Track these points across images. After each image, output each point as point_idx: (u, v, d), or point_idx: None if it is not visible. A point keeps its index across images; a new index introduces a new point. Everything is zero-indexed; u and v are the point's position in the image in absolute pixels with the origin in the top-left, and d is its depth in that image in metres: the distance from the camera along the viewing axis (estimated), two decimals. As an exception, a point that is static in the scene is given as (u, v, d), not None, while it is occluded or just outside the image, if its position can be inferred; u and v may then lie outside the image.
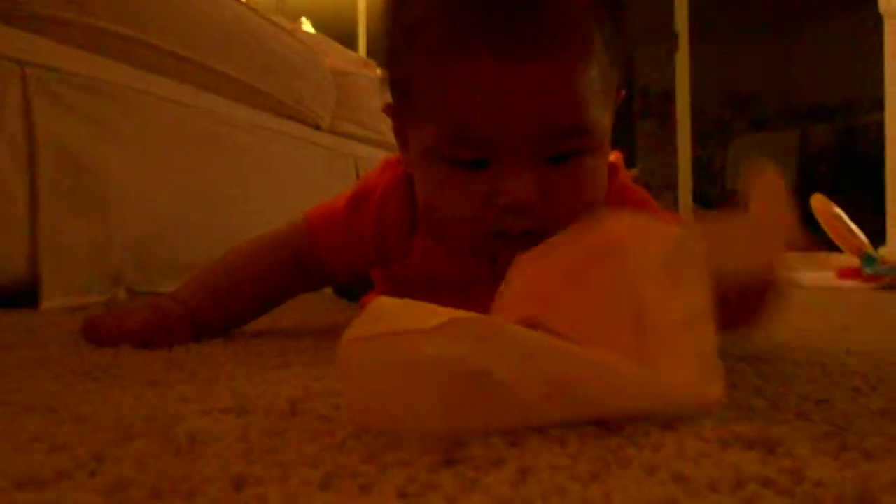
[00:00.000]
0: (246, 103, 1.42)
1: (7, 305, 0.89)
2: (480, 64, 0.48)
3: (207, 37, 1.29)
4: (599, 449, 0.27)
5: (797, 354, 0.53)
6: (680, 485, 0.23)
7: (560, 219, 0.45)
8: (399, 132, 0.60)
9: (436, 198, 0.55)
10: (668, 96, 3.78)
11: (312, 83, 1.66)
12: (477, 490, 0.23)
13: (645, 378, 0.29)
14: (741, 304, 0.37)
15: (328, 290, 1.05)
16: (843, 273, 1.78)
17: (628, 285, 0.31)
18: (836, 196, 1.90)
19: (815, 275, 1.93)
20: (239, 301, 0.65)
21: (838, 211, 1.82)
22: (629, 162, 0.74)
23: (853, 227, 1.81)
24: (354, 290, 0.96)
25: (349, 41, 3.57)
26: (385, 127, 0.63)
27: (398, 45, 0.55)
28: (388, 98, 0.60)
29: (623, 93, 0.59)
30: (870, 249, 1.75)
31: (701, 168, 3.82)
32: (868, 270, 1.66)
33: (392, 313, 0.29)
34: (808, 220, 1.87)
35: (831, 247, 1.86)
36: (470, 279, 0.59)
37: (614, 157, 0.63)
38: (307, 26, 3.23)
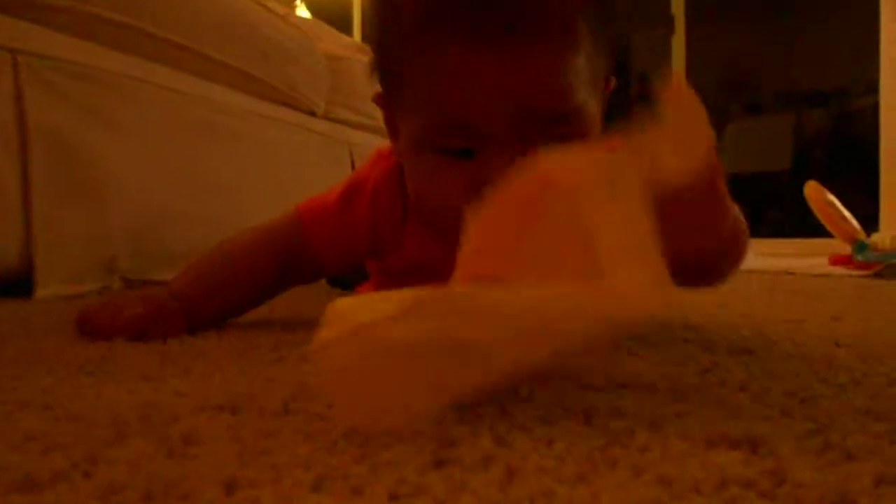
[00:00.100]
0: (240, 90, 1.41)
1: (1, 294, 0.89)
2: (465, 52, 0.48)
3: (201, 24, 1.28)
4: (586, 449, 0.27)
5: (785, 346, 0.53)
6: (665, 486, 0.24)
7: None
8: (389, 122, 0.60)
9: (425, 186, 0.56)
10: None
11: (306, 69, 1.65)
12: (466, 491, 0.23)
13: (601, 294, 0.29)
14: (689, 212, 0.37)
15: (322, 281, 1.05)
16: (835, 260, 1.79)
17: (572, 219, 0.31)
18: (830, 181, 1.91)
19: (808, 261, 1.94)
20: (233, 293, 0.65)
21: (831, 198, 1.83)
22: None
23: (846, 214, 1.83)
24: (348, 281, 0.96)
25: (344, 26, 3.55)
26: (380, 113, 0.63)
27: (384, 36, 0.55)
28: (379, 87, 0.60)
29: (613, 81, 0.59)
30: (862, 236, 1.76)
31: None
32: (859, 258, 1.67)
33: (351, 311, 0.29)
34: (802, 206, 1.88)
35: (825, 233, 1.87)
36: None
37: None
38: (302, 10, 3.20)
